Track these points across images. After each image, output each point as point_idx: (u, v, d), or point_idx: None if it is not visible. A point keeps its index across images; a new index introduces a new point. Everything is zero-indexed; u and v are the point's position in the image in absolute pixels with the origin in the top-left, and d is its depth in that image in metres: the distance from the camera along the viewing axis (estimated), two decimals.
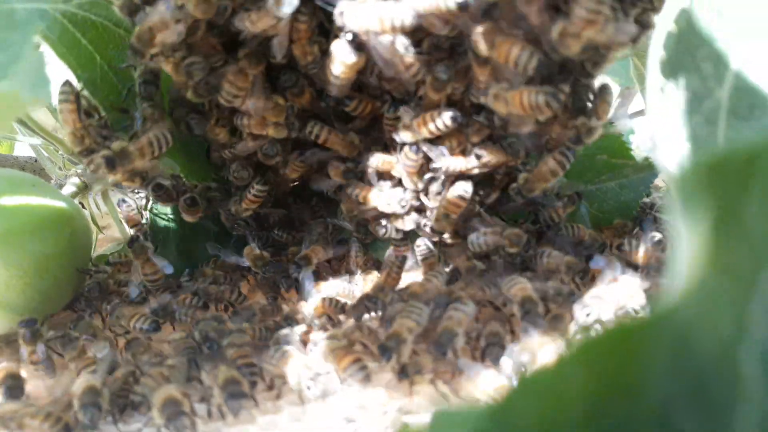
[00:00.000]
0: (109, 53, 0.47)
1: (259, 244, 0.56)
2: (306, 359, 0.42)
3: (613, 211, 0.55)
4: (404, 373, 0.40)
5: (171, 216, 0.58)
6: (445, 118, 0.46)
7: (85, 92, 0.45)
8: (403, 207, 0.50)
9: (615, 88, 1.06)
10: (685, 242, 0.15)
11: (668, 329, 0.15)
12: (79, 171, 0.68)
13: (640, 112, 1.15)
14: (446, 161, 0.49)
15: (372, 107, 0.51)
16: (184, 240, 0.59)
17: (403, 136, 0.49)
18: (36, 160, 0.78)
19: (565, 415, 0.15)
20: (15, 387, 0.46)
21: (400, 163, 0.50)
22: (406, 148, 0.49)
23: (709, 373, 0.15)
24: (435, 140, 0.50)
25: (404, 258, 0.51)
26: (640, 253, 0.48)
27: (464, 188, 0.48)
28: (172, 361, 0.43)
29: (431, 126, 0.47)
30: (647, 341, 0.15)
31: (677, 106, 0.36)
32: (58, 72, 0.46)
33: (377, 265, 0.55)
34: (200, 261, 0.59)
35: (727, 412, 0.15)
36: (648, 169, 0.54)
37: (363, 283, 0.53)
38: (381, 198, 0.51)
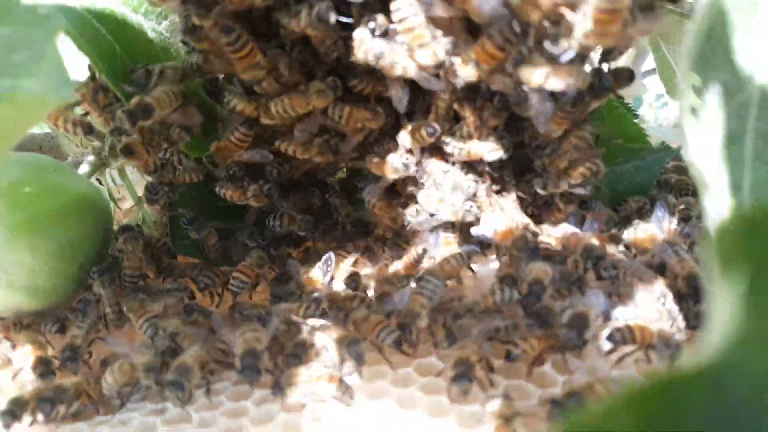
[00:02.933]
0: (128, 44, 0.47)
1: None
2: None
3: (627, 192, 0.56)
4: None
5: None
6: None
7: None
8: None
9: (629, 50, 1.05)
10: (723, 298, 0.16)
11: (708, 378, 0.16)
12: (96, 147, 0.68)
13: (652, 71, 1.16)
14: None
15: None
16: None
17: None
18: (52, 137, 0.78)
19: None
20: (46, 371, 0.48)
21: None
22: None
23: (745, 416, 0.17)
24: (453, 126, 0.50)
25: (424, 251, 0.52)
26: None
27: None
28: None
29: None
30: (689, 389, 0.16)
31: (707, 101, 0.36)
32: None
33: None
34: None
35: None
36: (663, 150, 0.55)
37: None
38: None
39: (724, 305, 0.16)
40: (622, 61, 1.05)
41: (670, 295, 0.42)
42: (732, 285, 0.16)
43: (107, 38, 0.45)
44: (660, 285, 0.43)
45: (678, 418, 0.16)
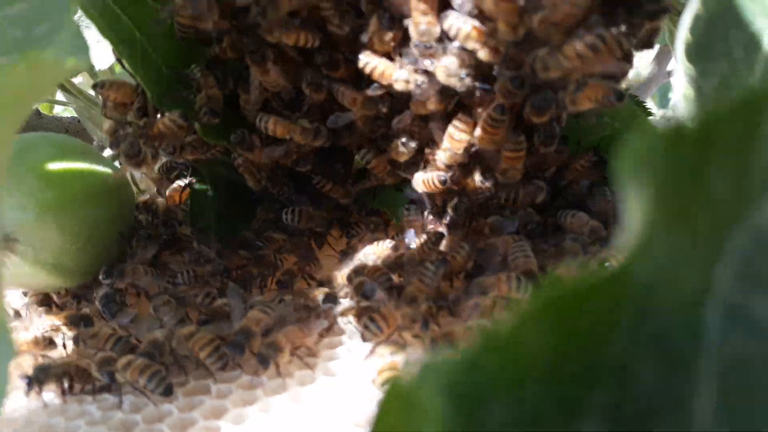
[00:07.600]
0: (148, 29, 0.48)
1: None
2: None
3: None
4: None
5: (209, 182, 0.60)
6: None
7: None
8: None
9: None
10: (637, 204, 0.16)
11: (628, 286, 0.16)
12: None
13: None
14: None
15: None
16: (223, 206, 0.61)
17: None
18: (79, 121, 0.80)
19: (526, 369, 0.17)
20: None
21: None
22: None
23: (672, 329, 0.17)
24: None
25: (441, 235, 0.52)
26: None
27: None
28: None
29: None
30: (607, 297, 0.16)
31: (704, 93, 0.36)
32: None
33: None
34: (240, 226, 0.61)
35: (689, 362, 0.17)
36: None
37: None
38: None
39: (639, 208, 0.16)
40: (645, 61, 1.04)
41: None
42: (649, 186, 0.16)
43: (126, 22, 0.47)
44: None
45: (596, 328, 0.16)
